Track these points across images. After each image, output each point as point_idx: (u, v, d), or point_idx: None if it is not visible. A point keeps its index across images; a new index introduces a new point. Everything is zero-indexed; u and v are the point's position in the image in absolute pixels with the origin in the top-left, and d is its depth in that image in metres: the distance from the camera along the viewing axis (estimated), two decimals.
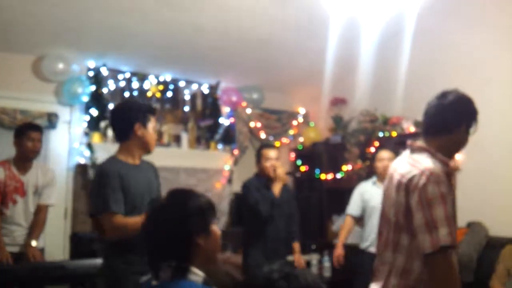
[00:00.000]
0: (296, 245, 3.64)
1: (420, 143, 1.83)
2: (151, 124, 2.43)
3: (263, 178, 3.50)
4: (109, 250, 2.37)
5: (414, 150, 1.83)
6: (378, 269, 1.86)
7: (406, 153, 1.88)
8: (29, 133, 3.40)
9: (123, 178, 2.32)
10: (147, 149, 2.47)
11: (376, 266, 1.89)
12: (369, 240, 3.62)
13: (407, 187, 1.69)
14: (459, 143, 1.87)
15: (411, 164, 1.75)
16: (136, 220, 2.18)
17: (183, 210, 1.43)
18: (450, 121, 1.82)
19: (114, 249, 2.31)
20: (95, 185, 2.32)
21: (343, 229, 3.78)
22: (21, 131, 3.43)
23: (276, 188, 3.42)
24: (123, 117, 2.42)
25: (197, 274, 1.40)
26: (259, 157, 3.54)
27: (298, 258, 3.61)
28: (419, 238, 1.62)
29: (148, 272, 1.47)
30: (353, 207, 3.78)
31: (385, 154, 3.65)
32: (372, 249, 3.56)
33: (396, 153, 4.43)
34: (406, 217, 1.69)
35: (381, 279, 1.80)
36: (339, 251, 3.68)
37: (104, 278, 2.37)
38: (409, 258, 1.71)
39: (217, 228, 1.50)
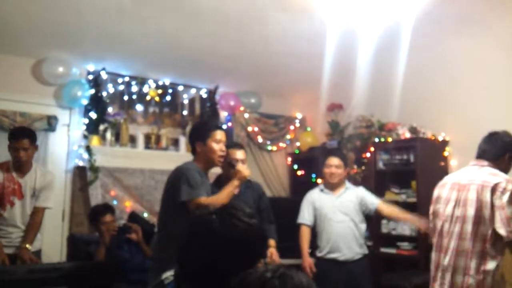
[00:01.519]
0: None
1: (486, 163, 2.49)
2: (213, 139, 2.71)
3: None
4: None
5: (482, 166, 2.47)
6: (455, 258, 2.40)
7: (474, 168, 2.51)
8: (13, 143, 3.34)
9: (200, 175, 2.66)
10: (210, 163, 2.77)
11: (450, 259, 2.43)
12: (328, 247, 3.56)
13: (493, 189, 2.30)
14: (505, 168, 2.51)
15: (493, 174, 2.39)
16: (221, 196, 2.62)
17: (229, 245, 1.22)
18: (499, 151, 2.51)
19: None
20: (182, 177, 2.60)
21: (303, 239, 3.65)
22: (9, 138, 3.39)
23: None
24: (189, 136, 2.87)
25: None
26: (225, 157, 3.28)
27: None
28: (503, 228, 2.23)
29: None
30: (305, 217, 3.68)
31: (334, 160, 3.64)
32: (332, 255, 3.54)
33: (392, 157, 4.48)
34: (491, 211, 2.28)
35: (462, 262, 2.35)
36: (308, 260, 3.60)
37: None
38: (484, 242, 2.29)
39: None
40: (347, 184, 3.75)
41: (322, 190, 3.73)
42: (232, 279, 1.12)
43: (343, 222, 3.57)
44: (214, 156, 2.73)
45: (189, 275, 1.25)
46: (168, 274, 2.36)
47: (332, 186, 3.67)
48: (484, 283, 2.30)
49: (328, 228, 3.59)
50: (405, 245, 4.20)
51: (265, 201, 3.54)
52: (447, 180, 2.63)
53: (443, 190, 2.57)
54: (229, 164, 2.91)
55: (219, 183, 3.15)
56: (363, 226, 3.66)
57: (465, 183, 2.44)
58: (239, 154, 3.25)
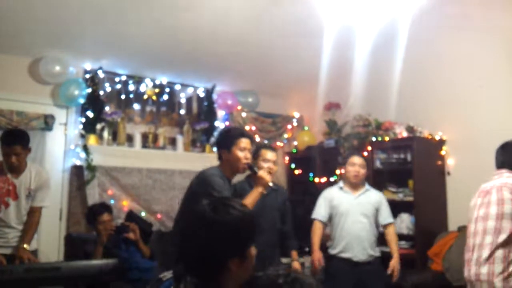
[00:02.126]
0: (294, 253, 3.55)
1: (504, 170, 2.65)
2: (237, 147, 2.76)
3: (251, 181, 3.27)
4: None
5: (502, 173, 2.64)
6: (477, 253, 2.49)
7: (495, 177, 2.65)
8: (5, 148, 3.27)
9: (223, 181, 2.72)
10: (235, 170, 2.81)
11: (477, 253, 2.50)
12: (341, 246, 3.55)
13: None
14: None
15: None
16: (247, 202, 2.57)
17: (222, 228, 1.27)
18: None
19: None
20: (206, 182, 2.65)
21: (315, 234, 3.65)
22: (1, 142, 3.31)
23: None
24: (215, 143, 2.99)
25: None
26: (257, 157, 3.35)
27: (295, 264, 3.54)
28: None
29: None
30: (320, 212, 3.67)
31: (358, 160, 3.62)
32: (345, 255, 3.53)
33: (389, 156, 4.49)
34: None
35: (485, 254, 2.43)
36: (317, 254, 3.59)
37: None
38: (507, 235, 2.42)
39: (253, 251, 1.34)
40: (367, 185, 3.70)
41: (341, 188, 3.68)
42: (231, 269, 1.20)
43: (358, 223, 3.54)
44: (238, 163, 2.77)
45: (189, 265, 1.29)
46: (167, 273, 2.39)
47: (353, 186, 3.62)
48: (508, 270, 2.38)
49: (343, 227, 3.56)
50: (402, 243, 4.21)
51: (289, 206, 3.57)
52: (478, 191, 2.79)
53: (473, 199, 2.72)
54: (249, 168, 2.90)
55: (250, 180, 3.26)
56: (376, 228, 3.63)
57: (488, 188, 2.61)
58: (269, 155, 3.34)
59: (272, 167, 3.30)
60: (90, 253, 3.84)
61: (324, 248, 3.67)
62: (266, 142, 5.56)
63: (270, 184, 2.84)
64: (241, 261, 1.27)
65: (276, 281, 1.06)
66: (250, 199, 2.71)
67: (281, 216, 3.45)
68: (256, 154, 3.39)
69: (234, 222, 1.29)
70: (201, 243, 1.26)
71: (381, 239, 4.05)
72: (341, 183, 3.74)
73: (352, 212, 3.55)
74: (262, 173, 2.82)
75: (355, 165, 3.59)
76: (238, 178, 3.31)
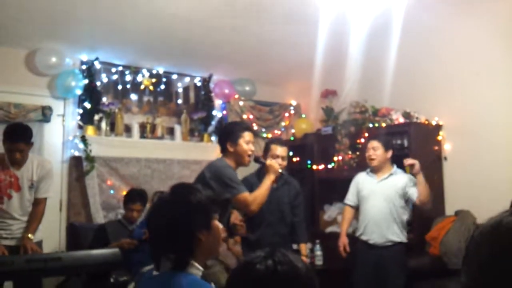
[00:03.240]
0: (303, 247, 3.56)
1: None
2: (243, 140, 2.84)
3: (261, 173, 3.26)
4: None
5: None
6: None
7: None
8: (8, 144, 3.29)
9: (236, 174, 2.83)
10: (239, 162, 2.87)
11: None
12: (361, 228, 3.64)
13: None
14: None
15: None
16: (261, 191, 2.79)
17: (186, 207, 1.47)
18: None
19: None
20: (222, 174, 2.74)
21: (344, 219, 3.79)
22: (4, 137, 3.31)
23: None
24: (219, 136, 3.02)
25: (197, 268, 1.44)
26: (267, 151, 3.41)
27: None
28: None
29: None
30: (349, 197, 3.80)
31: (372, 143, 3.64)
32: (364, 237, 3.60)
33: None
34: None
35: None
36: (343, 239, 3.67)
37: None
38: None
39: (218, 223, 1.54)
40: (394, 169, 3.65)
41: (367, 173, 3.75)
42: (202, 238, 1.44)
43: (378, 207, 3.55)
44: (244, 155, 2.86)
45: (158, 239, 1.48)
46: (148, 267, 2.41)
47: (376, 170, 3.64)
48: None
49: (364, 210, 3.63)
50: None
51: (301, 199, 3.58)
52: None
53: None
54: (255, 160, 2.99)
55: (259, 174, 3.28)
56: (404, 214, 3.57)
57: None
58: (279, 150, 3.36)
59: (282, 163, 3.30)
60: (92, 243, 3.86)
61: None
62: (263, 130, 5.58)
63: (280, 170, 2.98)
64: (208, 232, 1.47)
65: (266, 264, 1.05)
66: (264, 188, 2.83)
67: (292, 209, 3.47)
68: (266, 149, 3.44)
69: (202, 201, 1.50)
70: (174, 221, 1.45)
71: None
72: (370, 168, 3.75)
73: (373, 196, 3.59)
74: (270, 162, 2.98)
75: (369, 149, 3.64)
76: (246, 172, 3.36)
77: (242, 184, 2.82)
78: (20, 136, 3.31)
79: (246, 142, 2.85)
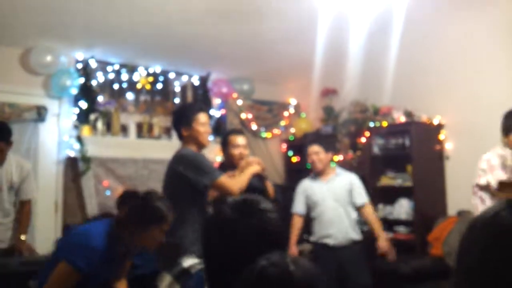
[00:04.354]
0: None
1: None
2: (197, 122, 2.73)
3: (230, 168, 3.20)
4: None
5: None
6: None
7: None
8: None
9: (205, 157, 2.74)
10: (199, 145, 2.76)
11: None
12: (319, 232, 3.59)
13: None
14: None
15: None
16: (244, 177, 2.70)
17: (252, 233, 1.20)
18: None
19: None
20: (194, 162, 2.62)
21: (293, 228, 3.68)
22: None
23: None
24: (173, 123, 2.87)
25: None
26: (226, 144, 3.27)
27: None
28: None
29: None
30: (298, 206, 3.71)
31: (312, 148, 3.63)
32: (325, 240, 3.56)
33: (387, 142, 4.46)
34: None
35: None
36: (294, 249, 3.63)
37: None
38: None
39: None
40: (338, 170, 3.72)
41: (312, 178, 3.73)
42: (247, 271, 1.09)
43: (333, 208, 3.57)
44: (201, 137, 2.75)
45: (217, 271, 1.23)
46: (192, 262, 2.38)
47: (320, 173, 3.65)
48: None
49: (319, 214, 3.61)
50: (401, 229, 4.20)
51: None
52: None
53: None
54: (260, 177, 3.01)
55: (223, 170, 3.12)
56: (353, 212, 3.65)
57: None
58: (239, 140, 3.23)
59: (243, 151, 3.20)
60: None
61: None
62: (263, 129, 5.52)
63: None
64: None
65: (287, 269, 0.98)
66: (246, 174, 2.76)
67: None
68: (224, 141, 3.30)
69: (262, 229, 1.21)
70: (228, 251, 1.19)
71: (382, 224, 4.03)
72: (312, 174, 3.76)
73: (326, 199, 3.58)
74: (248, 160, 2.95)
75: (311, 154, 3.62)
76: None
77: (216, 169, 2.71)
78: (1, 135, 3.25)
79: (201, 125, 2.74)
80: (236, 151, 3.18)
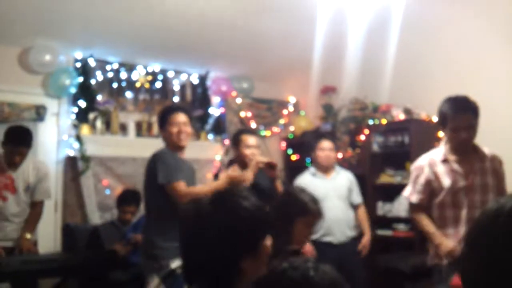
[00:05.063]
0: None
1: None
2: (169, 123, 2.78)
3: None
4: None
5: None
6: None
7: None
8: (10, 147, 3.31)
9: (177, 162, 2.74)
10: (174, 146, 2.80)
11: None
12: (322, 231, 3.56)
13: None
14: None
15: None
16: (203, 189, 2.64)
17: (227, 225, 1.14)
18: None
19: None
20: (158, 161, 2.68)
21: None
22: (6, 140, 3.33)
23: (248, 176, 3.12)
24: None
25: None
26: (237, 143, 3.30)
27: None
28: None
29: None
30: None
31: (328, 144, 3.66)
32: (326, 239, 3.57)
33: (386, 139, 4.46)
34: None
35: None
36: (308, 246, 3.64)
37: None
38: None
39: (268, 243, 1.20)
40: (337, 167, 3.77)
41: (314, 174, 3.70)
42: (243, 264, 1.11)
43: (337, 206, 3.58)
44: (173, 138, 2.79)
45: (196, 271, 1.19)
46: (179, 263, 2.39)
47: (325, 170, 3.65)
48: None
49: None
50: (401, 226, 4.20)
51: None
52: None
53: None
54: (269, 167, 3.03)
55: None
56: (352, 209, 3.71)
57: None
58: (251, 140, 3.28)
59: (255, 152, 3.23)
60: (88, 244, 3.81)
61: None
62: (262, 128, 5.52)
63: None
64: (254, 258, 1.14)
65: (308, 274, 0.97)
66: (213, 186, 2.71)
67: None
68: (237, 139, 3.32)
69: (253, 217, 1.17)
70: (210, 242, 1.13)
71: (381, 222, 4.06)
72: (312, 169, 3.74)
73: (330, 196, 3.56)
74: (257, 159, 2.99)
75: (325, 149, 3.65)
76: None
77: (179, 173, 2.68)
78: (24, 140, 3.36)
79: (172, 125, 2.79)
80: (248, 151, 3.22)
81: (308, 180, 3.68)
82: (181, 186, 2.63)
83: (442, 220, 2.56)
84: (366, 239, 3.65)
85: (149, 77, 4.91)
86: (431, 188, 2.57)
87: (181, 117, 2.82)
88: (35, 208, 3.48)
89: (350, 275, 3.47)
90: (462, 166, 2.50)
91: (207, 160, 5.09)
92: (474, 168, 2.49)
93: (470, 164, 2.50)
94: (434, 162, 2.58)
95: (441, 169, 2.54)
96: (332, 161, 3.64)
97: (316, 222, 2.12)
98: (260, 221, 1.19)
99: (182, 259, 1.24)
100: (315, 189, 3.59)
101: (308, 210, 2.06)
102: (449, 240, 2.55)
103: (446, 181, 2.51)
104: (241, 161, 3.22)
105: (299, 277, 0.97)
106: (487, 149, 2.62)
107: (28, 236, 3.39)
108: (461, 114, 2.43)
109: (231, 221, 1.15)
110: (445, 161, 2.55)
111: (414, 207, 2.71)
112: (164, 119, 2.83)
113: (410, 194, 2.70)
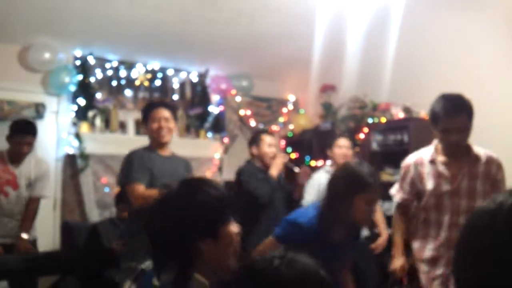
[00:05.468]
0: None
1: None
2: (151, 119, 2.74)
3: (257, 165, 3.40)
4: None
5: None
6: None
7: None
8: (17, 137, 3.33)
9: (146, 161, 2.65)
10: (156, 142, 2.77)
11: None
12: None
13: None
14: None
15: None
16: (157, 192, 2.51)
17: (187, 208, 1.23)
18: None
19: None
20: (122, 163, 2.67)
21: None
22: (13, 131, 3.35)
23: (274, 173, 3.30)
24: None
25: (200, 283, 1.22)
26: (258, 142, 3.42)
27: None
28: None
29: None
30: (309, 200, 3.60)
31: (346, 142, 3.66)
32: None
33: (386, 138, 4.46)
34: None
35: None
36: None
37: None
38: None
39: (232, 229, 1.28)
40: None
41: (329, 172, 3.66)
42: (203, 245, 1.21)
43: None
44: (154, 134, 2.77)
45: (158, 246, 1.28)
46: (149, 262, 2.39)
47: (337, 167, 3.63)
48: None
49: None
50: None
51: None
52: None
53: None
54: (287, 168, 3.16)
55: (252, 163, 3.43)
56: None
57: None
58: (270, 140, 3.43)
59: (275, 151, 3.42)
60: (87, 242, 3.80)
61: None
62: (261, 126, 5.51)
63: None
64: (213, 240, 1.23)
65: (272, 264, 1.02)
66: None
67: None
68: (257, 139, 3.44)
69: (209, 202, 1.26)
70: (170, 224, 1.23)
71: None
72: (327, 167, 3.72)
73: None
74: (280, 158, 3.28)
75: (343, 147, 3.65)
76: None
77: (144, 175, 2.60)
78: (29, 128, 3.39)
79: (154, 120, 2.75)
80: (269, 150, 3.39)
81: (323, 178, 3.62)
82: (136, 188, 2.53)
83: (425, 223, 2.40)
84: (382, 239, 3.61)
85: (149, 75, 4.90)
86: (417, 189, 2.45)
87: (163, 113, 2.77)
88: (32, 205, 3.46)
89: (363, 275, 3.46)
90: (449, 169, 2.33)
91: (206, 158, 5.10)
92: (462, 171, 2.31)
93: (459, 167, 2.32)
94: (421, 162, 2.44)
95: (427, 170, 2.39)
96: (348, 159, 3.60)
97: (375, 198, 2.06)
98: (216, 207, 1.25)
99: (152, 245, 1.30)
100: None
101: (367, 185, 2.01)
102: (400, 259, 2.51)
103: (429, 184, 2.36)
104: (261, 159, 3.39)
105: (269, 271, 1.02)
106: (483, 151, 2.42)
107: (25, 236, 3.36)
108: (452, 115, 2.28)
109: (188, 202, 1.24)
110: (432, 161, 2.40)
111: (397, 206, 2.61)
112: (146, 115, 2.78)
113: (396, 192, 2.60)
